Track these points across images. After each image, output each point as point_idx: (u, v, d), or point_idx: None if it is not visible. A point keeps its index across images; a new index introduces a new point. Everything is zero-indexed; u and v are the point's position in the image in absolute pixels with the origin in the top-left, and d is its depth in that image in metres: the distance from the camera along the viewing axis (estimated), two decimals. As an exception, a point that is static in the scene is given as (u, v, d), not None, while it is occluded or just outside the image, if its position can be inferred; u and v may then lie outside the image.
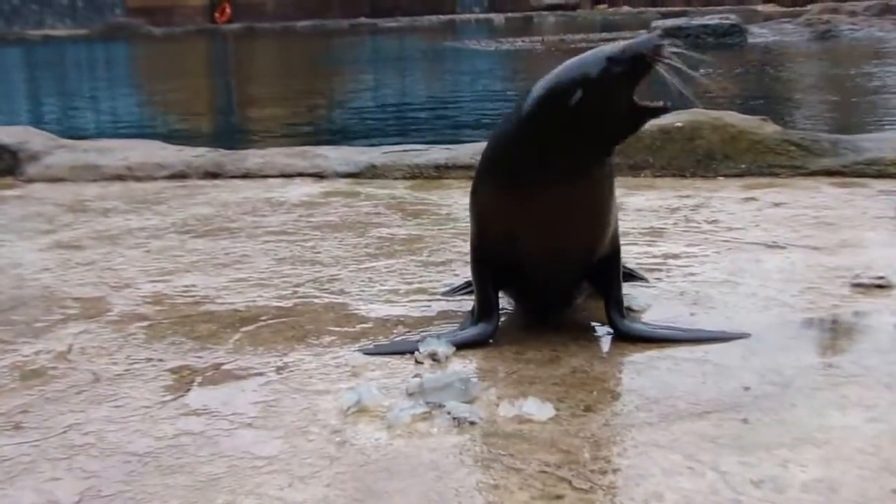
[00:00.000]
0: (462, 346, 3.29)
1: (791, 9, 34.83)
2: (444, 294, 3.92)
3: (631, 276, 3.91)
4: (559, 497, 2.33)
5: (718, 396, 2.87)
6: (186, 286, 4.17)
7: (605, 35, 26.45)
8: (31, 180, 6.77)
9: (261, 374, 3.16)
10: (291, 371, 3.17)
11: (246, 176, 6.65)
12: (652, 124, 6.19)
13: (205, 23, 39.82)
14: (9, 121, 10.90)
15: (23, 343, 3.54)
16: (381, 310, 3.76)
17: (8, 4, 39.83)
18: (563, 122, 3.18)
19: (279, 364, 3.24)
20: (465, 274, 3.88)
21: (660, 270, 4.13)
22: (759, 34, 23.82)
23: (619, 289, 3.47)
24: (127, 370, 3.24)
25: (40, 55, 30.13)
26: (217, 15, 40.69)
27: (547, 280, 3.44)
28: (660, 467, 2.45)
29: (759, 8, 38.92)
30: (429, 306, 3.79)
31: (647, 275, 4.03)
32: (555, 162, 3.21)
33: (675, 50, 3.15)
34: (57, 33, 37.71)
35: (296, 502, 2.35)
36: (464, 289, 3.89)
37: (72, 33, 37.72)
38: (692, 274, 4.07)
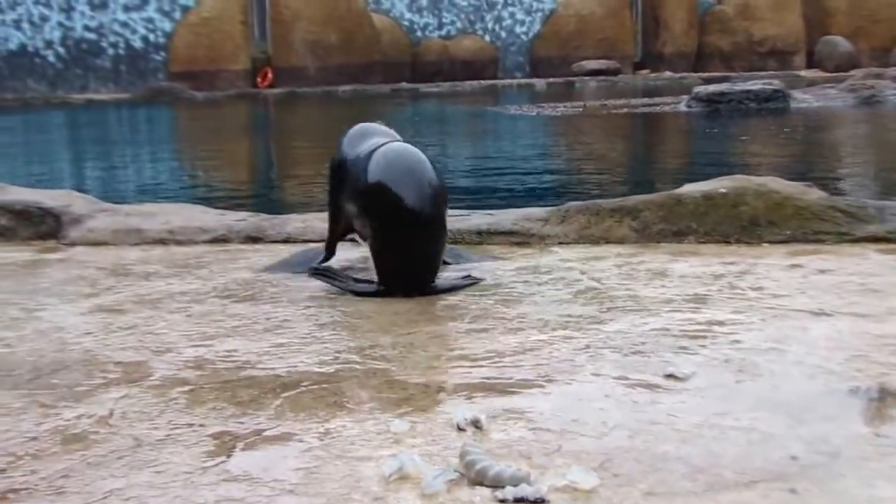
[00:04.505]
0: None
1: (834, 74, 34.77)
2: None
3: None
4: (605, 569, 2.31)
5: (765, 465, 2.83)
6: (228, 351, 4.17)
7: (646, 100, 26.53)
8: (73, 244, 6.79)
9: (302, 441, 3.14)
10: (333, 437, 3.15)
11: (287, 240, 6.64)
12: (695, 190, 6.23)
13: (246, 87, 40.01)
14: (52, 184, 10.99)
15: (64, 407, 3.53)
16: (421, 376, 3.74)
17: (52, 69, 40.23)
18: None
19: (321, 430, 3.21)
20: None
21: (704, 338, 4.09)
22: (803, 99, 23.74)
23: None
24: (168, 435, 3.23)
25: (83, 118, 30.36)
26: (259, 79, 40.89)
27: None
28: (707, 539, 2.41)
29: (803, 73, 38.88)
30: (469, 373, 3.76)
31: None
32: None
33: None
34: (100, 97, 38.05)
35: (337, 572, 2.33)
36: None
37: (115, 97, 38.05)
38: (737, 341, 4.03)
